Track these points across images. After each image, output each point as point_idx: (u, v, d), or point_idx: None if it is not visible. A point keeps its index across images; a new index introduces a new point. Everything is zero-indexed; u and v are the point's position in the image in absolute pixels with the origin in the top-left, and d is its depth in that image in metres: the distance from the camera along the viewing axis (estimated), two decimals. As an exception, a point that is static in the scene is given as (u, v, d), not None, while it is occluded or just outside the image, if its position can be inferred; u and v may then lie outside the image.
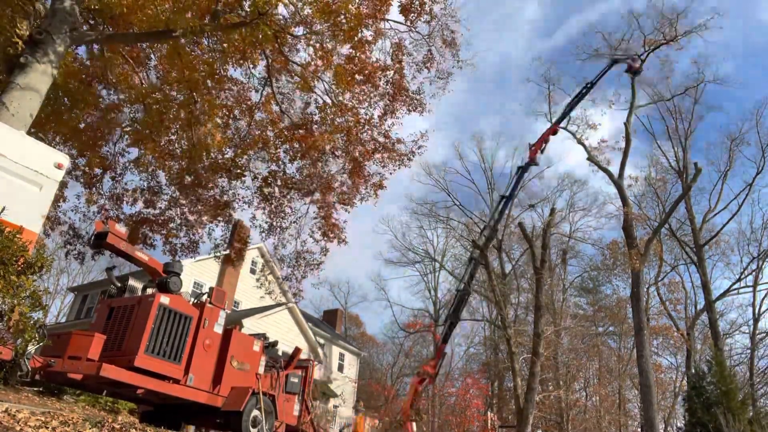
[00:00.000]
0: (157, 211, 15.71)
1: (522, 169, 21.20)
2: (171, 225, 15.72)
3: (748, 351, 31.23)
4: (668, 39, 26.31)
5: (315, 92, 14.35)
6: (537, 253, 25.17)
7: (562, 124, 27.16)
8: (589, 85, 22.15)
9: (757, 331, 31.27)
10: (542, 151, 21.55)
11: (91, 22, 12.63)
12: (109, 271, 9.23)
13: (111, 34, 12.40)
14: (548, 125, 23.23)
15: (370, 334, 56.55)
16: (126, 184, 15.84)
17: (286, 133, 14.77)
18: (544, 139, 21.42)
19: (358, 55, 13.71)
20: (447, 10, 14.26)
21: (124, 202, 15.76)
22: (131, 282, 20.34)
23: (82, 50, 13.78)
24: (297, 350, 9.93)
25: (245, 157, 15.20)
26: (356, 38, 12.88)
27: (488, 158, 39.19)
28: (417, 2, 13.58)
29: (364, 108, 14.64)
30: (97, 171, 15.39)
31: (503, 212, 22.11)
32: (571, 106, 22.58)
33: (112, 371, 6.56)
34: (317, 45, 13.07)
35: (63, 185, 14.25)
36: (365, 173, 15.06)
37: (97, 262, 18.08)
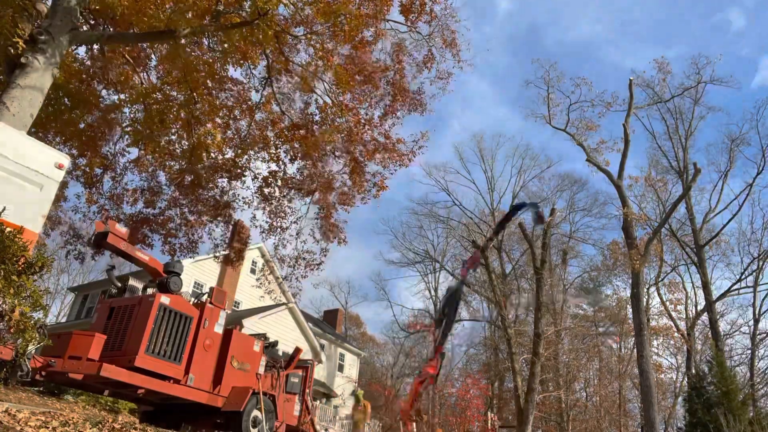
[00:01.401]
0: (157, 211, 15.71)
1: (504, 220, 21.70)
2: (170, 225, 15.71)
3: (749, 351, 31.20)
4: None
5: (315, 92, 14.36)
6: (537, 254, 25.16)
7: (561, 126, 27.25)
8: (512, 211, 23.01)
9: (758, 332, 31.24)
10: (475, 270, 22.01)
11: (92, 22, 12.64)
12: (109, 271, 9.24)
13: (111, 34, 12.40)
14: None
15: (371, 334, 56.55)
16: (126, 184, 15.85)
17: (286, 133, 14.76)
18: (475, 262, 21.90)
19: (358, 55, 13.71)
20: (447, 10, 14.29)
21: (124, 202, 15.76)
22: (131, 282, 20.31)
23: (82, 50, 13.80)
24: (297, 350, 9.92)
25: (245, 157, 15.20)
26: (357, 38, 12.88)
27: (488, 158, 39.09)
28: (417, 2, 13.58)
29: (364, 108, 14.65)
30: (98, 171, 15.39)
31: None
32: (500, 227, 23.15)
33: (112, 371, 6.56)
34: (318, 45, 13.07)
35: (63, 185, 14.25)
36: (365, 173, 15.07)
37: (98, 262, 18.10)
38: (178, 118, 13.80)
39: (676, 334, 33.90)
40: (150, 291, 8.13)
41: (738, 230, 50.93)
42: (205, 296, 8.29)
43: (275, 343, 9.53)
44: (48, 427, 5.04)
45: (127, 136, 15.09)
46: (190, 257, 17.65)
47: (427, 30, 14.37)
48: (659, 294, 32.74)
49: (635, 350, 28.13)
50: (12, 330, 5.18)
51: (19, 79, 8.70)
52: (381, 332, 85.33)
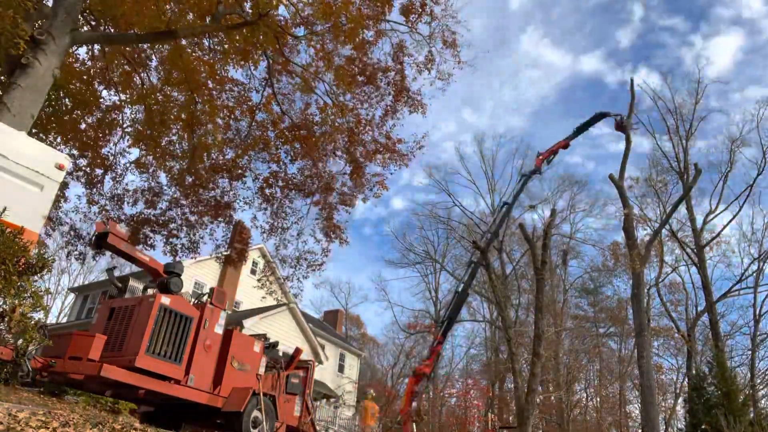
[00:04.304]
0: (158, 212, 15.72)
1: (526, 177, 21.06)
2: (171, 225, 15.72)
3: (749, 352, 31.18)
4: None
5: (316, 93, 14.37)
6: (537, 254, 25.09)
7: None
8: (596, 117, 22.30)
9: (758, 333, 31.19)
10: (548, 162, 21.42)
11: (93, 22, 12.64)
12: (109, 271, 9.25)
13: (112, 35, 12.41)
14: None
15: (371, 334, 56.50)
16: (127, 184, 15.87)
17: (287, 133, 14.77)
18: (553, 151, 21.27)
19: (359, 56, 13.72)
20: (447, 11, 14.27)
21: (125, 202, 15.77)
22: (132, 282, 20.35)
23: (82, 51, 13.82)
24: (297, 351, 9.92)
25: (246, 157, 15.21)
26: (357, 39, 12.87)
27: (489, 159, 39.08)
28: (418, 3, 13.58)
29: (365, 109, 14.66)
30: (98, 171, 15.40)
31: (505, 218, 21.90)
32: (580, 131, 22.49)
33: (112, 372, 6.56)
34: (318, 46, 13.07)
35: (64, 185, 14.26)
36: (366, 174, 15.08)
37: (98, 263, 18.12)
38: (179, 118, 13.82)
39: (676, 335, 33.87)
40: (150, 291, 8.14)
41: (738, 231, 50.86)
42: (206, 297, 8.29)
43: (275, 344, 9.53)
44: (48, 428, 5.03)
45: (128, 137, 15.12)
46: (192, 257, 17.66)
47: (428, 31, 14.38)
48: (660, 295, 32.72)
49: (636, 351, 28.12)
50: (13, 330, 5.19)
51: (19, 79, 8.71)
52: (381, 333, 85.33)
